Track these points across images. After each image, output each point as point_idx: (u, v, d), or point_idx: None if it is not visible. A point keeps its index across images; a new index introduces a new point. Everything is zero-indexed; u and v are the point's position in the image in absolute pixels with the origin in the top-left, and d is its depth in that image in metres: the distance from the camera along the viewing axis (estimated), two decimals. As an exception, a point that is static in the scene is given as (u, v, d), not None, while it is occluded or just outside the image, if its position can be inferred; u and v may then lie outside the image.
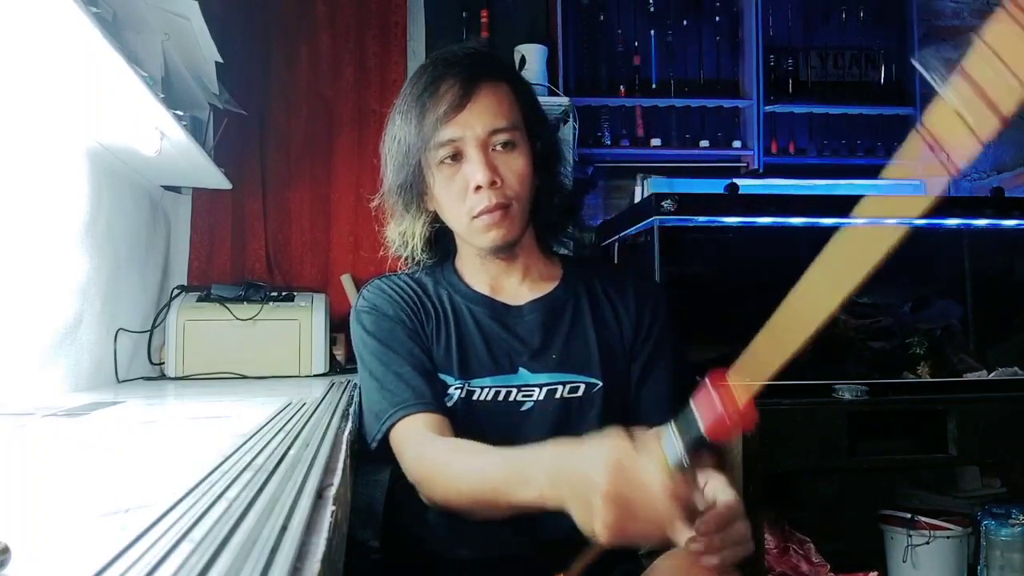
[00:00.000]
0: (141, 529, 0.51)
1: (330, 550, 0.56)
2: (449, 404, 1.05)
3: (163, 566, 0.45)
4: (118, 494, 0.65)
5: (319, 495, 0.67)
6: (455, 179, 1.04)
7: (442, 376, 1.07)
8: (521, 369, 1.07)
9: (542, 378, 1.07)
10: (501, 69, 1.08)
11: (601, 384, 1.08)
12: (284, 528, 0.54)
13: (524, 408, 1.05)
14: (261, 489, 0.64)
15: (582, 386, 1.07)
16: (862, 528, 2.27)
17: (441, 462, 0.93)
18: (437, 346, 1.09)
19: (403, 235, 1.13)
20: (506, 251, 1.10)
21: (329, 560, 0.55)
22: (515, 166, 1.04)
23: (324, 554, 0.52)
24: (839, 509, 2.40)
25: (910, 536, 2.12)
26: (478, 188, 1.02)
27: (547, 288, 1.14)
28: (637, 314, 1.12)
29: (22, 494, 0.67)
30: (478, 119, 1.03)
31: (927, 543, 2.11)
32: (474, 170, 1.02)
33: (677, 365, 1.14)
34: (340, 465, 0.82)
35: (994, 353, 2.15)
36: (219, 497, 0.60)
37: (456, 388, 1.05)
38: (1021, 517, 2.06)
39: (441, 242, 1.16)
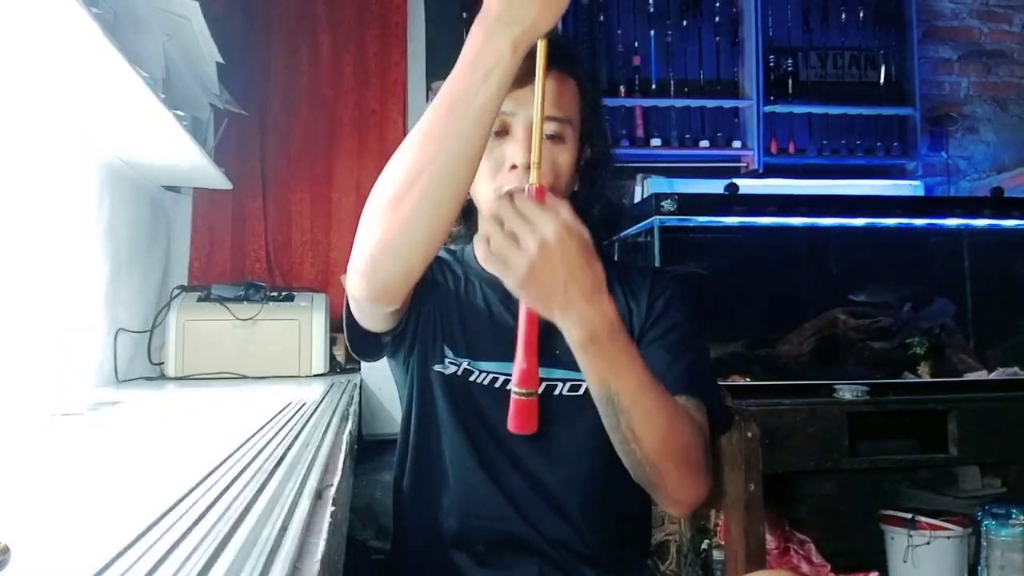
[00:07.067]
0: (141, 529, 0.51)
1: (329, 550, 0.56)
2: (445, 372, 1.04)
3: (163, 566, 0.45)
4: (118, 494, 0.65)
5: (319, 495, 0.67)
6: (493, 152, 1.01)
7: (445, 346, 1.05)
8: None
9: (542, 372, 1.05)
10: (572, 63, 1.04)
11: None
12: (284, 528, 0.54)
13: None
14: (261, 489, 0.64)
15: (583, 385, 1.04)
16: (862, 528, 2.27)
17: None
18: (443, 313, 1.06)
19: None
20: None
21: (328, 560, 0.55)
22: (557, 159, 1.01)
23: (323, 554, 0.53)
24: (839, 509, 2.40)
25: (910, 536, 2.12)
26: (513, 167, 0.99)
27: None
28: (648, 309, 1.09)
29: (22, 494, 0.67)
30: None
31: (927, 543, 2.11)
32: (515, 149, 0.98)
33: (689, 345, 1.07)
34: (340, 465, 0.83)
35: (994, 353, 2.15)
36: (219, 497, 0.61)
37: (453, 363, 1.05)
38: (1021, 517, 2.06)
39: (467, 219, 1.13)
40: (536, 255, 0.78)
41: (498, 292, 1.08)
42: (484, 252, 0.82)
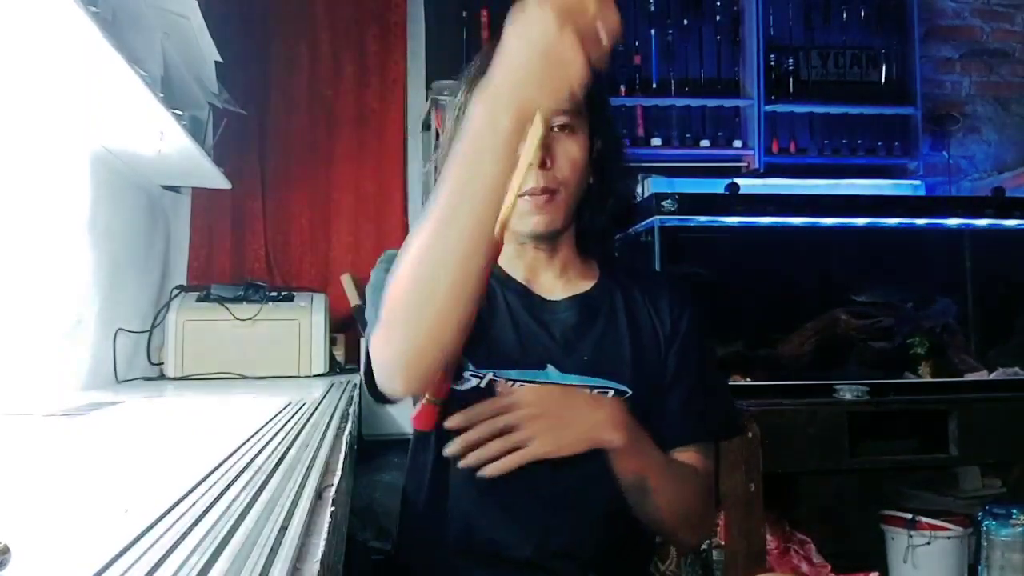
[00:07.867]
0: (141, 529, 0.51)
1: (329, 550, 0.56)
2: (461, 388, 1.01)
3: (163, 566, 0.45)
4: (118, 494, 0.65)
5: (319, 496, 0.67)
6: None
7: (465, 359, 1.01)
8: (549, 367, 1.03)
9: (571, 379, 1.02)
10: None
11: (631, 393, 1.03)
12: (284, 529, 0.54)
13: None
14: (261, 489, 0.64)
15: (611, 392, 1.03)
16: (863, 528, 2.27)
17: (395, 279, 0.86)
18: None
19: None
20: (546, 241, 1.05)
21: (328, 560, 0.55)
22: (570, 151, 1.00)
23: (323, 554, 0.52)
24: (839, 509, 2.40)
25: (911, 536, 2.12)
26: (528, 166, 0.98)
27: (584, 287, 1.09)
28: (672, 323, 1.09)
29: (22, 494, 0.66)
30: None
31: (928, 543, 2.10)
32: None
33: (705, 379, 1.09)
34: (340, 465, 0.82)
35: (995, 353, 2.15)
36: (219, 497, 0.60)
37: (474, 375, 1.01)
38: (1022, 517, 2.06)
39: None
40: (532, 426, 0.90)
41: (521, 297, 1.06)
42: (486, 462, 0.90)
